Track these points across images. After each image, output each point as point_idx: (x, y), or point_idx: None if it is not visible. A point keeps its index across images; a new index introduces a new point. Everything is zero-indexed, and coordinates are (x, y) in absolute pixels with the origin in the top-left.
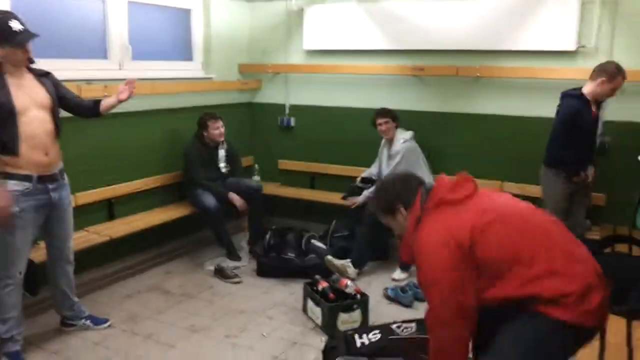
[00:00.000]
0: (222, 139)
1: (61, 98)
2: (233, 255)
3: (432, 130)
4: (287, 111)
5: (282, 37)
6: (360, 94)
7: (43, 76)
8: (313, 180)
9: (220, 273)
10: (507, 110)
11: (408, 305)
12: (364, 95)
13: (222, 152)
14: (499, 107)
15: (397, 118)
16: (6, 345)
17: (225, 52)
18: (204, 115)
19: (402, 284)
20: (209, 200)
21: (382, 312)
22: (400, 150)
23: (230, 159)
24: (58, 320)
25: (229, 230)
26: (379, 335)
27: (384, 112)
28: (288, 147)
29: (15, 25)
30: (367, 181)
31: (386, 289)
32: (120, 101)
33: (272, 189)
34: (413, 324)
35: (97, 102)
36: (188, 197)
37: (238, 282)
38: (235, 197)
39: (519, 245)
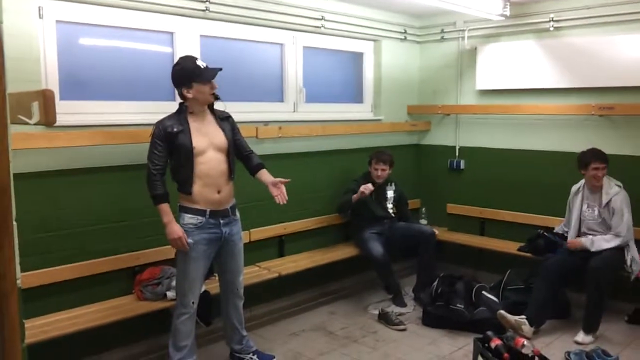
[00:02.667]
0: (380, 181)
1: (235, 144)
2: (398, 300)
3: (624, 175)
4: (457, 153)
5: (453, 78)
6: (537, 135)
7: (224, 120)
8: (483, 226)
9: (384, 318)
10: None
11: None
12: (541, 137)
13: (390, 193)
14: None
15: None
16: None
17: (395, 93)
18: (373, 153)
19: (587, 349)
20: (376, 247)
21: None
22: (622, 201)
23: (397, 200)
24: (228, 352)
25: (396, 276)
26: None
27: (603, 156)
28: (457, 190)
29: (200, 63)
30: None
31: (568, 352)
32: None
33: (439, 233)
34: None
35: (258, 166)
36: (354, 239)
37: (403, 330)
38: (366, 187)
39: None
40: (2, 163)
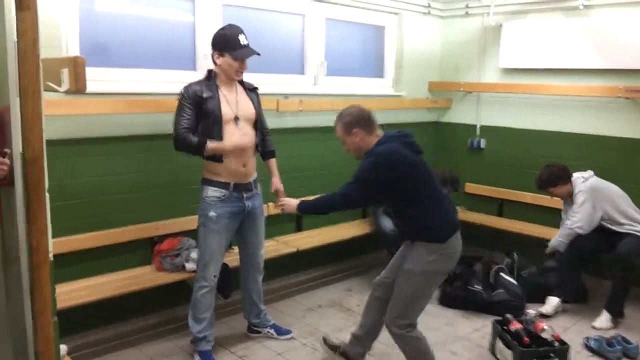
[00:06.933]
0: None
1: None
2: None
3: None
4: (477, 132)
5: (476, 55)
6: (560, 116)
7: (252, 91)
8: (501, 207)
9: None
10: None
11: None
12: (564, 119)
13: None
14: None
15: (561, 177)
16: (199, 344)
17: (416, 69)
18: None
19: (607, 335)
20: (387, 223)
21: None
22: (583, 190)
23: None
24: (245, 325)
25: None
26: None
27: (541, 186)
28: (476, 169)
29: (242, 39)
30: None
31: (587, 338)
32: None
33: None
34: None
35: (270, 153)
36: (371, 216)
37: None
38: None
39: None
40: (36, 130)
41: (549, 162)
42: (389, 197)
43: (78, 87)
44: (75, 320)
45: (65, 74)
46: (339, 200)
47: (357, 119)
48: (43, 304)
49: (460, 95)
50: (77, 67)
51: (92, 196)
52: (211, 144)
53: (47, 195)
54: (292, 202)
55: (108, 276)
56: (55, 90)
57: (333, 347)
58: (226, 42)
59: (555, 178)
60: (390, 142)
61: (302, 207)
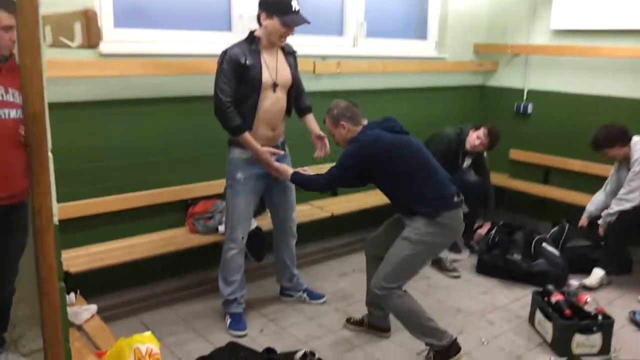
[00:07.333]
0: (478, 149)
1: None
2: (454, 246)
3: None
4: (524, 96)
5: (526, 15)
6: (615, 80)
7: (289, 54)
8: (547, 175)
9: (438, 264)
10: None
11: None
12: (619, 83)
13: (467, 162)
14: None
15: (620, 138)
16: (230, 306)
17: (461, 31)
18: (489, 125)
19: None
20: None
21: (628, 340)
22: None
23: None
24: (278, 288)
25: None
26: None
27: (598, 146)
28: (522, 135)
29: (295, 4)
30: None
31: (633, 312)
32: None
33: (500, 180)
34: None
35: (308, 109)
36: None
37: (456, 277)
38: None
39: None
40: (35, 85)
41: (607, 123)
42: (375, 180)
43: (90, 42)
44: (110, 280)
45: (77, 28)
46: (323, 184)
47: (344, 111)
48: (48, 269)
49: (507, 57)
50: (89, 21)
51: (127, 158)
52: (247, 137)
53: (50, 155)
54: (288, 169)
55: (142, 237)
56: (68, 46)
57: (359, 323)
58: (278, 3)
59: (614, 138)
60: (372, 128)
61: (294, 177)
